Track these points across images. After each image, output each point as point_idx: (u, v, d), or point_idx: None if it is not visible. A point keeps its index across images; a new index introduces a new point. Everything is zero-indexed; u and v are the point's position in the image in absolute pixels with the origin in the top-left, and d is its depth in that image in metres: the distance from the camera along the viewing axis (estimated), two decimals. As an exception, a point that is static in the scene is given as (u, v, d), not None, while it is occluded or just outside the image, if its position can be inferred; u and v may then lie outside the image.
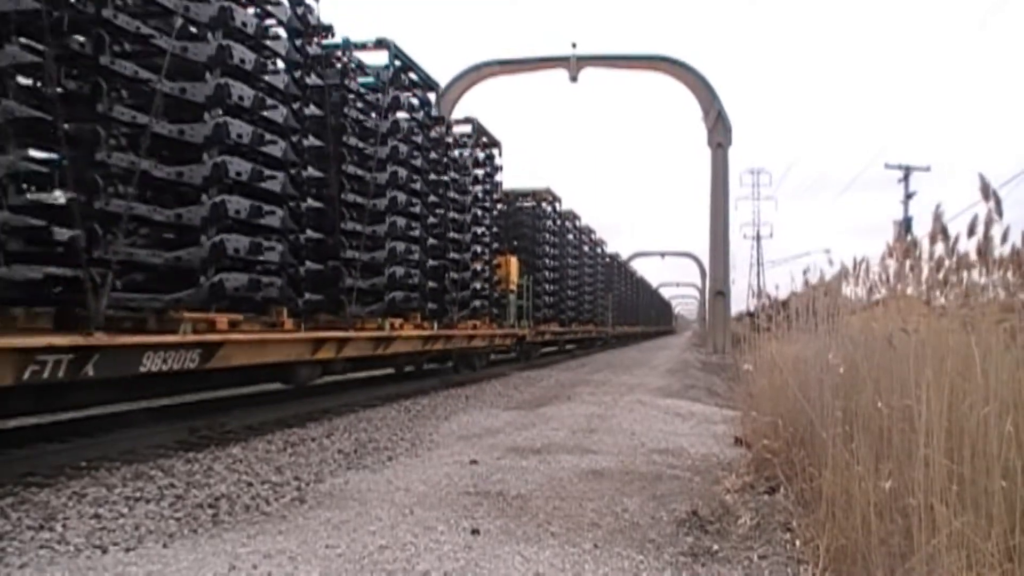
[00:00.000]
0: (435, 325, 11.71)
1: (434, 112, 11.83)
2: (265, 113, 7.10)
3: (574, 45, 29.52)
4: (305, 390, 10.03)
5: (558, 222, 21.65)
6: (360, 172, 9.24)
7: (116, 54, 5.60)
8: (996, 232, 3.01)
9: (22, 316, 5.34)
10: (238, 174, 6.61)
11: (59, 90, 5.21)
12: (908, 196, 33.30)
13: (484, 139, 14.67)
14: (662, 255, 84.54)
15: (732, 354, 18.29)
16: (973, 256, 3.17)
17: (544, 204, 20.24)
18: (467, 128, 14.16)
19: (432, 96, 11.70)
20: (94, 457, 5.66)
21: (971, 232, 3.06)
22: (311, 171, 8.14)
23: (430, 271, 11.41)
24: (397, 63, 10.27)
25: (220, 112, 6.47)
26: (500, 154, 15.36)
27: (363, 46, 9.87)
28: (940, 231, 3.23)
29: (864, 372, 4.00)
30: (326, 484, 5.14)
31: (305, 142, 7.92)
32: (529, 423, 8.22)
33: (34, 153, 5.31)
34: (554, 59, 30.04)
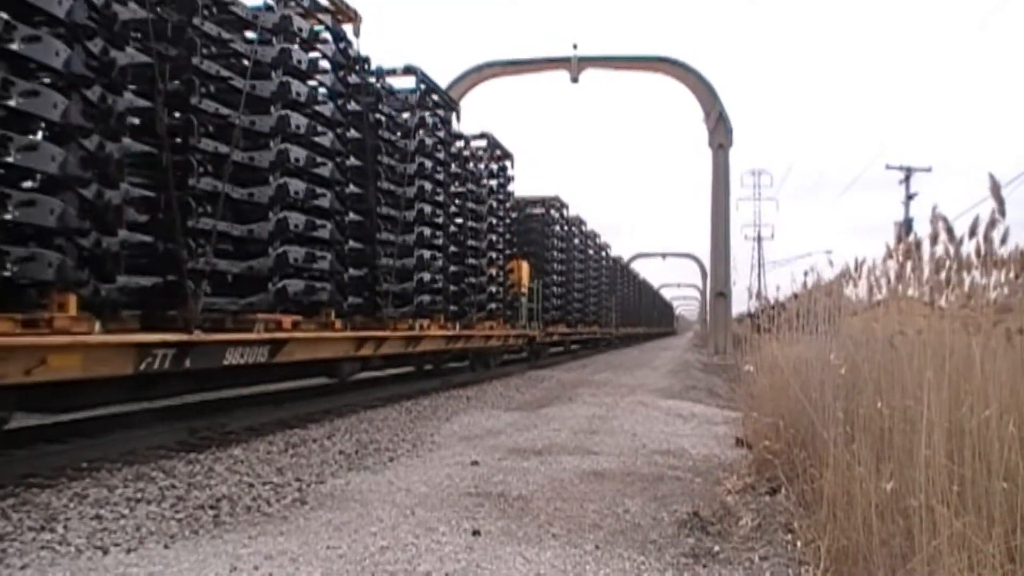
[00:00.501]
0: (456, 326, 12.54)
1: (453, 129, 12.74)
2: (315, 139, 7.95)
3: (575, 46, 29.51)
4: (305, 391, 10.05)
5: (565, 228, 22.58)
6: (392, 187, 10.30)
7: (202, 95, 6.64)
8: (996, 234, 3.01)
9: (123, 318, 6.03)
10: (296, 193, 7.56)
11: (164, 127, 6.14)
12: (909, 197, 33.31)
13: (498, 152, 15.57)
14: (663, 256, 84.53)
15: (733, 355, 18.30)
16: (974, 257, 3.16)
17: (552, 211, 21.13)
18: (483, 143, 15.03)
19: (453, 115, 12.66)
20: (95, 458, 5.66)
21: (972, 233, 3.06)
22: (352, 188, 9.09)
23: (452, 276, 12.27)
24: (422, 87, 11.21)
25: (280, 140, 7.45)
26: (512, 166, 16.29)
27: (393, 72, 10.87)
28: (945, 231, 3.22)
29: (865, 373, 4.00)
30: (327, 485, 5.14)
31: (347, 162, 8.82)
32: (530, 424, 8.22)
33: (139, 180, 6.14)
34: (555, 60, 30.02)
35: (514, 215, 17.76)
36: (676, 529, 4.10)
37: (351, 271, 8.89)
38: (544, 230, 20.49)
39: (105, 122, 5.35)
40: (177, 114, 6.55)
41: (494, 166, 15.58)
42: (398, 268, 10.19)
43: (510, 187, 16.49)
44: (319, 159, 7.92)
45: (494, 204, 15.23)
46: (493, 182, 15.44)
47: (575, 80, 29.69)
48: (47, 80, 4.98)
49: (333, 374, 9.57)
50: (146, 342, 5.66)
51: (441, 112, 12.10)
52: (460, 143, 13.53)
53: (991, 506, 2.65)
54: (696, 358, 27.16)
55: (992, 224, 2.97)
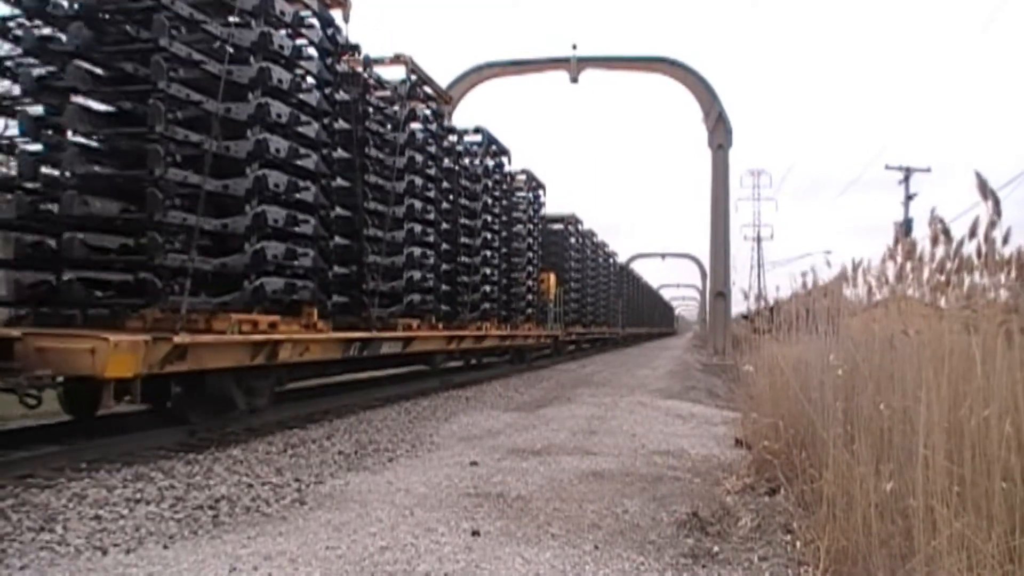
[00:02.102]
0: (507, 327, 16.06)
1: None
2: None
3: (574, 47, 29.48)
4: (305, 392, 10.04)
5: (580, 240, 25.92)
6: (466, 219, 13.27)
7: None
8: (998, 234, 3.01)
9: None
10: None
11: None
12: (909, 197, 33.29)
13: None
14: (662, 256, 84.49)
15: (732, 355, 18.33)
16: (975, 258, 3.16)
17: (570, 227, 24.37)
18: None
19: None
20: (94, 459, 5.66)
21: (972, 234, 3.06)
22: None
23: (504, 287, 15.79)
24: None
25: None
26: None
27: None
28: (943, 232, 3.22)
29: (865, 373, 4.00)
30: (326, 485, 5.13)
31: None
32: (529, 424, 8.21)
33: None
34: (555, 60, 30.00)
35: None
36: (675, 529, 4.10)
37: (443, 286, 11.96)
38: (564, 243, 23.59)
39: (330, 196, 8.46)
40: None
41: (530, 194, 18.39)
42: (475, 283, 13.67)
43: (542, 212, 19.59)
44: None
45: (531, 227, 18.24)
46: (524, 201, 18.14)
47: (575, 80, 29.67)
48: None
49: (429, 362, 12.71)
50: (349, 338, 8.74)
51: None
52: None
53: (990, 506, 2.65)
54: (695, 358, 27.16)
55: (992, 225, 2.97)
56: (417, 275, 10.65)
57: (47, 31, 6.49)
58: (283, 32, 7.49)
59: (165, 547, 3.72)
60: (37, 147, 6.58)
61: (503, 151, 15.69)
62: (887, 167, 34.11)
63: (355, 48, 9.14)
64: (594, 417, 8.86)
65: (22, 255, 6.40)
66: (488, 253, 14.39)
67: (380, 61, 10.43)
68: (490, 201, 14.40)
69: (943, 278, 3.39)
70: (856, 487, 3.24)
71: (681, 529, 4.10)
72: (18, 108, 6.63)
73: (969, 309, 3.33)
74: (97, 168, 6.52)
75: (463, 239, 13.09)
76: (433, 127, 11.61)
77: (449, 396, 11.47)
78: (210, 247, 6.90)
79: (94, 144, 6.67)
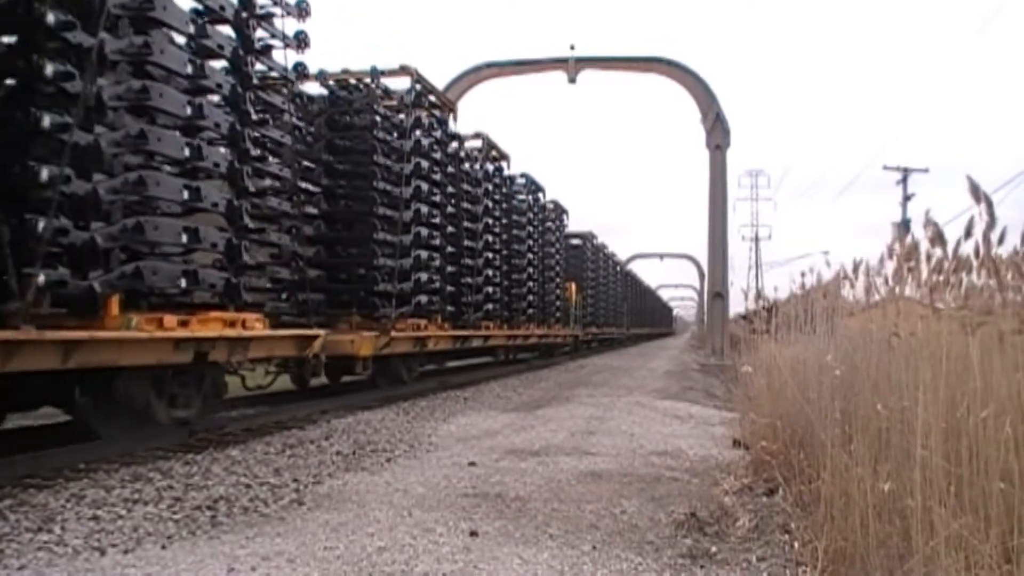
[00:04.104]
0: (543, 328, 20.29)
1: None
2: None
3: (572, 47, 29.46)
4: (305, 392, 10.04)
5: (595, 253, 30.54)
6: (513, 239, 17.51)
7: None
8: (992, 235, 3.01)
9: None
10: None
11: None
12: (907, 198, 33.33)
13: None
14: (661, 257, 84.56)
15: (730, 356, 18.36)
16: (973, 258, 3.17)
17: (587, 242, 28.91)
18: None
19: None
20: (92, 459, 5.65)
21: (968, 234, 3.07)
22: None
23: (540, 296, 19.83)
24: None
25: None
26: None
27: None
28: (936, 235, 3.23)
29: (862, 374, 4.00)
30: (324, 486, 5.13)
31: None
32: (528, 425, 8.21)
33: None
34: (552, 61, 29.98)
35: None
36: (673, 530, 4.10)
37: (505, 296, 16.48)
38: (582, 256, 27.89)
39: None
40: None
41: (556, 224, 22.37)
42: (522, 293, 17.74)
43: (566, 229, 24.26)
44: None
45: (558, 246, 22.56)
46: (556, 230, 22.40)
47: (573, 81, 29.65)
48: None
49: (495, 355, 18.35)
50: (457, 335, 13.24)
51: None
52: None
53: (988, 507, 2.65)
54: (693, 359, 27.17)
55: (989, 226, 2.97)
56: (490, 289, 15.30)
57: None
58: (425, 139, 11.77)
59: (163, 547, 3.72)
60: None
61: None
62: (885, 167, 34.18)
63: (458, 137, 13.87)
64: (592, 418, 8.86)
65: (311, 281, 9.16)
66: (531, 270, 18.76)
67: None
68: (531, 228, 18.94)
69: (940, 278, 3.40)
70: (854, 487, 3.25)
71: (679, 529, 4.10)
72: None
73: (967, 309, 3.33)
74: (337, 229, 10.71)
75: (515, 260, 17.36)
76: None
77: (447, 397, 11.47)
78: (385, 278, 10.48)
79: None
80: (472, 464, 5.87)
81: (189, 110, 6.42)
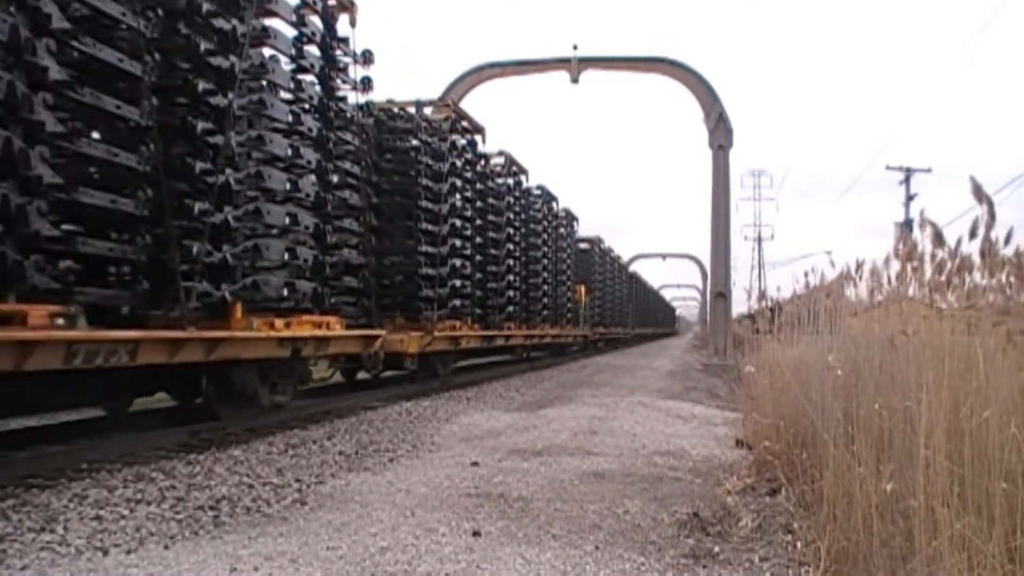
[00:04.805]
0: (556, 328, 21.69)
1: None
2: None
3: (575, 47, 29.39)
4: (305, 392, 10.04)
5: (602, 256, 32.14)
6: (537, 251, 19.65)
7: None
8: (997, 235, 3.00)
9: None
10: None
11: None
12: (909, 198, 33.26)
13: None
14: (663, 257, 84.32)
15: (733, 356, 18.34)
16: (976, 259, 3.16)
17: (595, 246, 30.25)
18: (562, 212, 22.56)
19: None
20: (95, 459, 5.66)
21: (972, 234, 3.06)
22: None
23: (554, 299, 21.37)
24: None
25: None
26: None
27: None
28: (935, 236, 3.23)
29: (865, 374, 4.00)
30: (327, 486, 5.13)
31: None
32: (530, 425, 8.21)
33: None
34: (555, 61, 29.92)
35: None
36: (676, 530, 4.10)
37: (522, 299, 18.01)
38: (590, 260, 29.14)
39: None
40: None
41: (566, 230, 23.81)
42: (537, 296, 19.52)
43: (576, 235, 26.10)
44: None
45: (569, 252, 24.12)
46: (567, 237, 24.00)
47: (575, 81, 29.59)
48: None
49: (514, 353, 19.39)
50: (485, 335, 14.62)
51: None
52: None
53: (991, 507, 2.65)
54: (696, 359, 27.13)
55: (990, 226, 2.97)
56: (511, 293, 16.80)
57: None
58: (458, 160, 13.34)
59: (166, 547, 3.72)
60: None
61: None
62: (888, 167, 34.10)
63: (485, 156, 15.55)
64: (595, 418, 8.85)
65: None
66: (546, 274, 20.56)
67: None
68: (546, 235, 20.61)
69: (943, 279, 3.39)
70: (857, 487, 3.24)
71: (682, 529, 4.10)
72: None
73: (970, 309, 3.32)
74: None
75: (532, 265, 19.00)
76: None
77: (450, 397, 11.47)
78: (428, 284, 11.91)
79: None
80: (475, 464, 5.87)
81: (290, 151, 7.83)
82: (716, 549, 3.76)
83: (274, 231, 7.61)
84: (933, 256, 3.44)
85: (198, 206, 6.42)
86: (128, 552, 3.65)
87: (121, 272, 6.30)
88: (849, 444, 3.55)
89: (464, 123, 13.95)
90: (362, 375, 12.00)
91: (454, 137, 13.18)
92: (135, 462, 5.69)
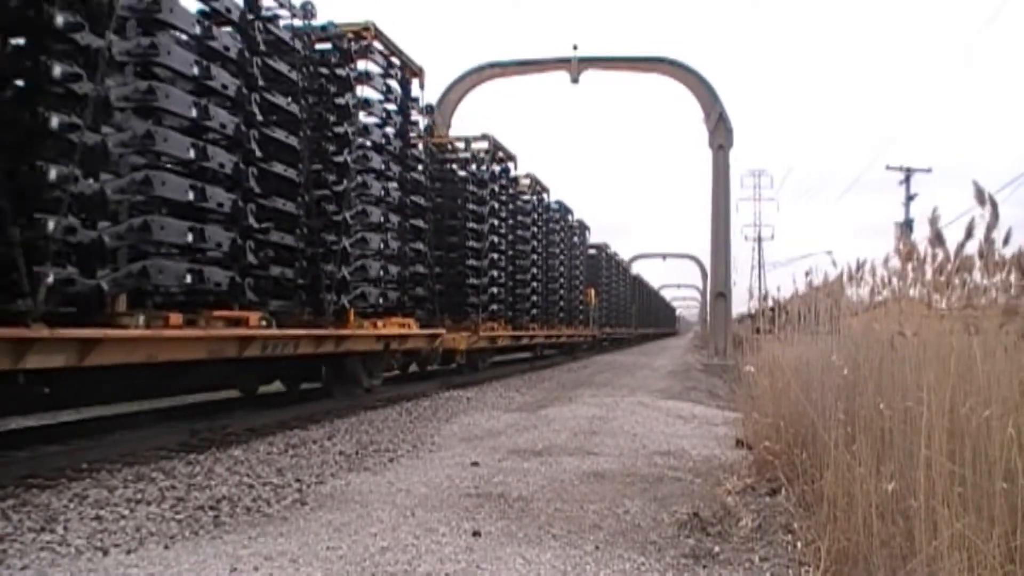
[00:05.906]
0: (570, 328, 23.43)
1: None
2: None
3: (575, 47, 29.39)
4: (304, 392, 10.05)
5: (608, 261, 34.20)
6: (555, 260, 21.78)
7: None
8: (998, 235, 3.00)
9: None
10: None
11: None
12: (909, 198, 33.27)
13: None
14: (663, 257, 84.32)
15: (733, 356, 18.35)
16: (976, 258, 3.16)
17: (602, 252, 32.66)
18: (576, 223, 24.73)
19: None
20: (95, 459, 5.66)
21: (969, 234, 3.06)
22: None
23: (568, 302, 23.20)
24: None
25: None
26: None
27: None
28: (936, 236, 3.22)
29: (866, 374, 4.00)
30: (327, 486, 5.13)
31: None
32: (531, 425, 8.21)
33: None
34: (555, 61, 29.94)
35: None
36: (676, 530, 4.10)
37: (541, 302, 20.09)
38: (598, 264, 31.17)
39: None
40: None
41: (579, 238, 25.68)
42: (555, 299, 21.50)
43: (587, 243, 28.21)
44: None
45: (582, 259, 25.98)
46: (580, 244, 25.83)
47: (575, 81, 29.61)
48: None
49: (534, 351, 21.63)
50: (515, 335, 17.01)
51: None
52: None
53: (991, 507, 2.65)
54: (696, 359, 27.14)
55: (990, 227, 2.97)
56: (535, 297, 19.02)
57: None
58: (496, 184, 15.62)
59: (166, 547, 3.72)
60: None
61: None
62: (888, 167, 34.11)
63: (516, 180, 17.74)
64: (595, 418, 8.85)
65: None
66: (562, 280, 22.51)
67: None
68: (563, 244, 22.62)
69: (943, 279, 3.39)
70: (857, 487, 3.24)
71: (682, 529, 4.10)
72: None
73: (971, 308, 3.32)
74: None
75: (551, 272, 20.94)
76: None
77: (450, 397, 11.47)
78: (473, 292, 14.35)
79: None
80: (475, 464, 5.87)
81: (382, 192, 10.23)
82: (716, 549, 3.76)
83: (370, 253, 9.71)
84: (935, 256, 3.44)
85: (330, 238, 8.66)
86: (128, 552, 3.65)
87: (286, 288, 8.21)
88: (849, 444, 3.55)
89: (500, 153, 16.28)
90: (412, 368, 13.80)
91: (494, 167, 15.69)
92: (135, 462, 5.69)
